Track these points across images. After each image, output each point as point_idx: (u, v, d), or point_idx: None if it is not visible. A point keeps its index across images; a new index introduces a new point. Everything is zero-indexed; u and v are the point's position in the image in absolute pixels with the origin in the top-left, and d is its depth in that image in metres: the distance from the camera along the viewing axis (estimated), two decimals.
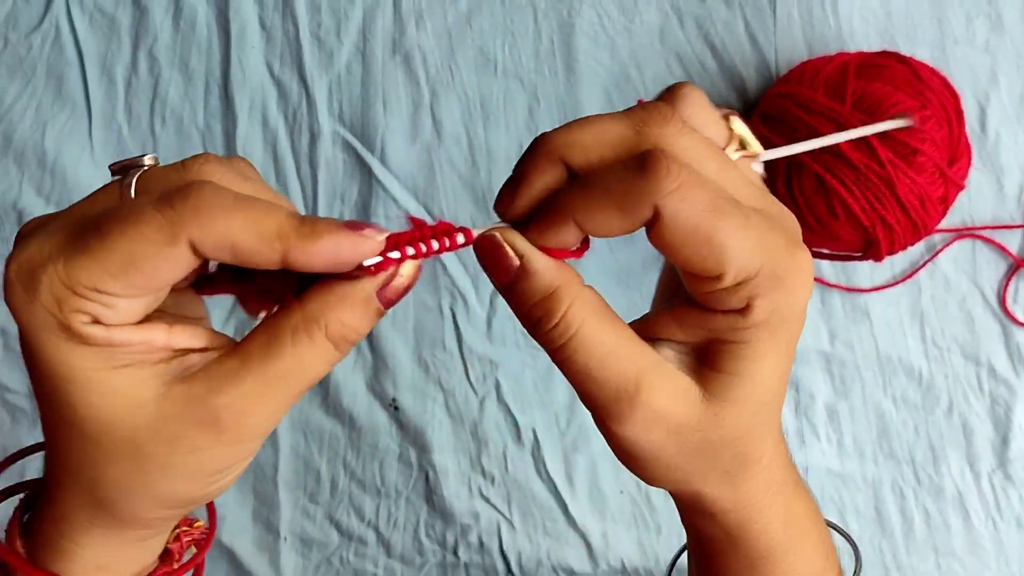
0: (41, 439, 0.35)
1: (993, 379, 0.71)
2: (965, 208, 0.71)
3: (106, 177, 0.81)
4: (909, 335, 0.72)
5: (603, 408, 0.33)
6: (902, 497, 0.72)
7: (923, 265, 0.71)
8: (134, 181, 0.31)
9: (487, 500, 0.73)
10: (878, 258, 0.64)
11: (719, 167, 0.32)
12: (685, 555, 0.49)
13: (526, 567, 0.73)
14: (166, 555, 0.39)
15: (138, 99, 0.72)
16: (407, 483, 0.73)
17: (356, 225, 0.30)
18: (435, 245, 0.32)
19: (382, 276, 0.31)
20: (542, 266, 0.32)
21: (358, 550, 0.73)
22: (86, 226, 0.29)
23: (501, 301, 0.57)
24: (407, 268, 0.31)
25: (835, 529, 0.46)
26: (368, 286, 0.31)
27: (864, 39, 0.71)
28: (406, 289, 0.32)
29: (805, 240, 0.33)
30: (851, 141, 0.60)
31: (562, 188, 0.32)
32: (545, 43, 0.72)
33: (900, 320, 0.72)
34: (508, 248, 0.32)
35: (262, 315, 0.35)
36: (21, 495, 0.38)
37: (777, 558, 0.39)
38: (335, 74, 0.72)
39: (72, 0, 0.72)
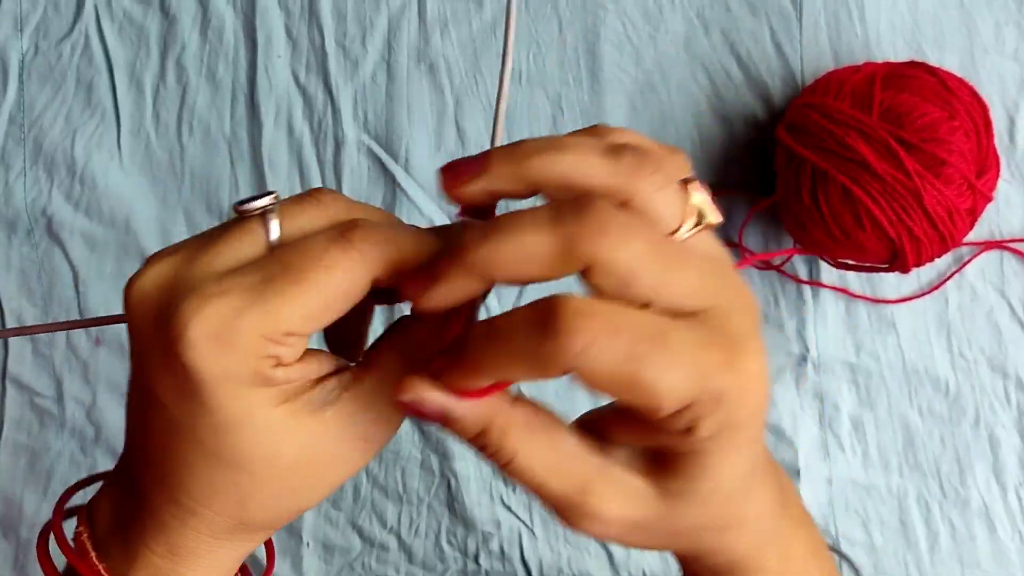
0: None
1: (1020, 391, 0.71)
2: (993, 220, 0.70)
3: (135, 184, 0.81)
4: (936, 346, 0.71)
5: (556, 513, 0.33)
6: (927, 509, 0.71)
7: (950, 276, 0.70)
8: (279, 220, 0.33)
9: (508, 508, 0.73)
10: (904, 270, 0.64)
11: (660, 272, 0.29)
12: None
13: (547, 575, 0.73)
14: None
15: (166, 107, 0.73)
16: (429, 490, 0.73)
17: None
18: None
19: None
20: (463, 413, 0.32)
21: (380, 556, 0.73)
22: (270, 273, 0.31)
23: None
24: None
25: (836, 552, 0.46)
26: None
27: (891, 47, 0.70)
28: None
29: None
30: (877, 152, 0.59)
31: (472, 335, 0.30)
32: (570, 52, 0.72)
33: (927, 331, 0.71)
34: (426, 407, 0.31)
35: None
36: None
37: None
38: (360, 83, 0.73)
39: (102, 9, 0.73)
